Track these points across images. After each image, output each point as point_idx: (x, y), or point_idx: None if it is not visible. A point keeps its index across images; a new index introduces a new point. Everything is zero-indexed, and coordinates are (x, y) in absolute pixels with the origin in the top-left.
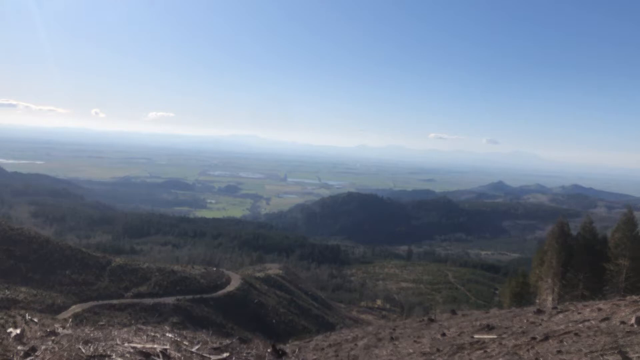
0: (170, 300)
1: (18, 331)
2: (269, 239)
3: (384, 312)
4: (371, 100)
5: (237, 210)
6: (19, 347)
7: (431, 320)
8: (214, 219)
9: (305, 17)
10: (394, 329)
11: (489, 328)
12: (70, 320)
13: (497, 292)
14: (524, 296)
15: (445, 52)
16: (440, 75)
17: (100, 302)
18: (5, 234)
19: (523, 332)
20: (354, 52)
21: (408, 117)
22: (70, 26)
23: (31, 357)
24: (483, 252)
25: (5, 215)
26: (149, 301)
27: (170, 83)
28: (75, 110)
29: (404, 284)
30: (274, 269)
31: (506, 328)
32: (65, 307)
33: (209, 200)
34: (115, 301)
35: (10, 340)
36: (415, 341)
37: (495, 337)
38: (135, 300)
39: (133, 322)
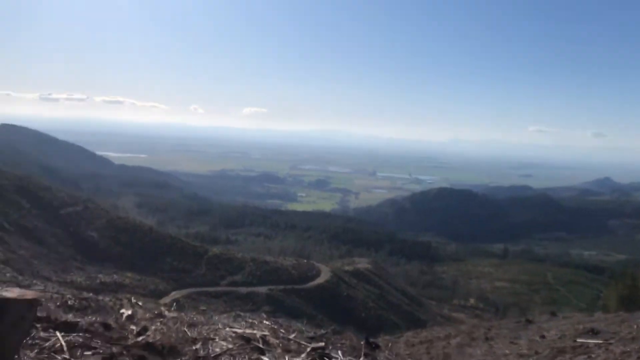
0: (263, 289)
1: (130, 312)
2: (357, 233)
3: (477, 312)
4: (465, 92)
5: (326, 204)
6: (132, 327)
7: (529, 322)
8: (304, 212)
9: (395, 9)
10: (489, 329)
11: (594, 332)
12: (175, 304)
13: (601, 295)
14: (633, 300)
15: (545, 37)
16: (541, 63)
17: (198, 289)
18: (114, 223)
19: (633, 339)
20: (446, 44)
21: (505, 109)
22: (171, 28)
23: (143, 336)
24: (586, 252)
25: (114, 205)
26: (243, 290)
27: (264, 80)
28: (176, 107)
29: (498, 284)
30: (362, 263)
31: (613, 333)
32: (166, 293)
33: (299, 194)
34: (211, 289)
35: (123, 319)
36: (511, 342)
37: (600, 342)
38: (230, 289)
39: (228, 309)
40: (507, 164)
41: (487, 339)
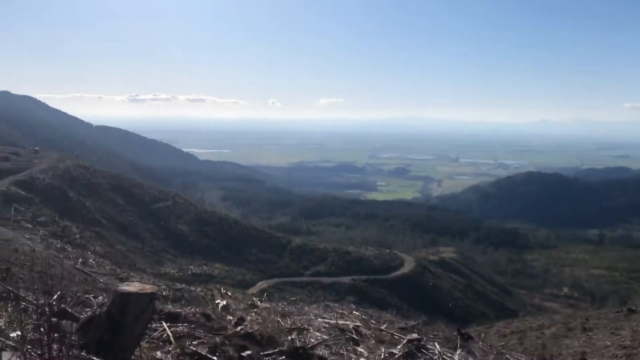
0: (346, 279)
1: (224, 302)
2: (441, 221)
3: (571, 301)
4: (554, 70)
5: (407, 193)
6: (229, 317)
7: (631, 311)
8: (385, 202)
9: None
10: (586, 319)
11: None
12: (265, 295)
13: None
14: None
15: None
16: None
17: (283, 280)
18: (201, 216)
19: None
20: (532, 20)
21: (597, 86)
22: (247, 26)
23: (241, 326)
24: None
25: (200, 199)
26: (326, 280)
27: (339, 70)
28: (254, 102)
29: (594, 271)
30: (447, 252)
31: None
32: (252, 283)
33: (379, 183)
34: (296, 279)
35: (220, 310)
36: (612, 333)
37: None
38: (314, 279)
39: (313, 299)
40: (599, 145)
41: (585, 329)
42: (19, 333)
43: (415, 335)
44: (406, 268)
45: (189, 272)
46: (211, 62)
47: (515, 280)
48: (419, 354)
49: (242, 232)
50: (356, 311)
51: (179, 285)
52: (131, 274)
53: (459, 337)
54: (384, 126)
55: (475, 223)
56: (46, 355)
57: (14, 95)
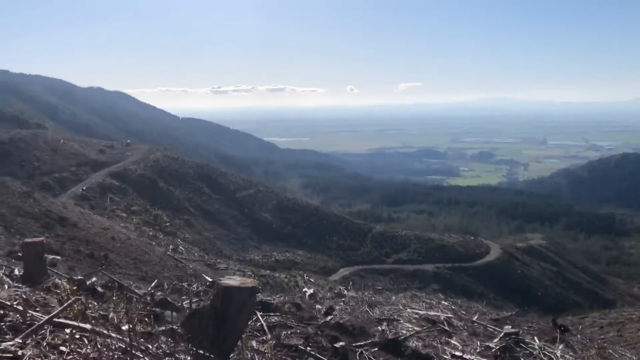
0: (429, 267)
1: (312, 291)
2: (528, 207)
3: None
4: None
5: (492, 178)
6: (318, 306)
7: None
8: (468, 187)
9: None
10: None
11: None
12: (351, 283)
13: None
14: None
15: None
16: None
17: (365, 267)
18: (283, 204)
19: None
20: None
21: None
22: (324, 14)
23: (331, 316)
24: None
25: (281, 187)
26: (408, 267)
27: (418, 54)
28: (333, 89)
29: None
30: (536, 239)
31: None
32: (334, 270)
33: (461, 168)
34: (377, 266)
35: (306, 298)
36: None
37: None
38: (396, 266)
39: (396, 286)
40: None
41: None
42: (129, 325)
43: (511, 328)
44: (492, 255)
45: (273, 259)
46: (290, 52)
47: (610, 269)
48: (518, 349)
49: (323, 219)
50: (445, 301)
51: (263, 272)
52: (218, 260)
53: (557, 330)
54: (466, 109)
55: (566, 208)
56: (155, 349)
57: (106, 91)
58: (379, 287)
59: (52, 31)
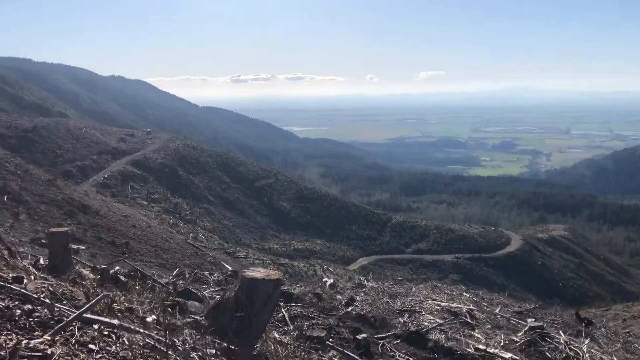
0: (449, 257)
1: (332, 281)
2: (550, 197)
3: None
4: None
5: (513, 168)
6: (339, 297)
7: None
8: (489, 177)
9: None
10: None
11: None
12: (371, 273)
13: None
14: None
15: None
16: None
17: (384, 257)
18: (302, 193)
19: None
20: None
21: None
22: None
23: (352, 307)
24: None
25: (300, 176)
26: (428, 257)
27: (439, 42)
28: (353, 78)
29: None
30: (558, 230)
31: None
32: (353, 259)
33: (482, 158)
34: (396, 256)
35: (326, 288)
36: None
37: None
38: (415, 256)
39: (415, 276)
40: None
41: None
42: (154, 317)
43: (534, 321)
44: (513, 246)
45: (292, 248)
46: (308, 40)
47: (634, 261)
48: (543, 343)
49: (342, 209)
50: (466, 292)
51: (282, 261)
52: (237, 248)
53: (582, 323)
54: (489, 99)
55: (589, 199)
56: (182, 344)
57: (127, 79)
58: (399, 278)
59: (74, 20)
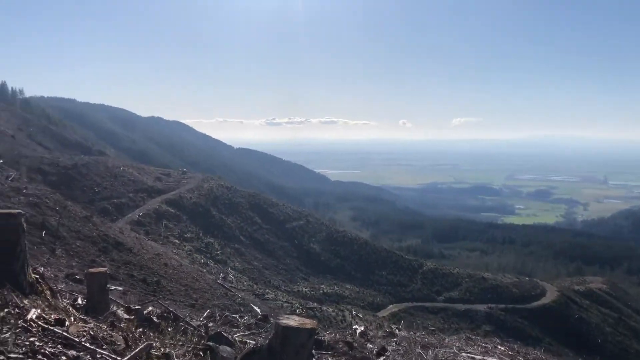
0: (481, 307)
1: (362, 328)
2: (588, 248)
3: None
4: None
5: (549, 217)
6: (369, 346)
7: None
8: (524, 226)
9: None
10: None
11: None
12: (402, 322)
13: None
14: None
15: None
16: None
17: (414, 304)
18: (332, 236)
19: None
20: None
21: None
22: (378, 48)
23: (383, 357)
24: None
25: (331, 219)
26: (460, 307)
27: (474, 88)
28: (385, 123)
29: None
30: (595, 282)
31: None
32: (383, 306)
33: (517, 206)
34: (428, 304)
35: (357, 336)
36: None
37: None
38: (447, 305)
39: (446, 326)
40: None
41: None
42: None
43: None
44: (548, 298)
45: (321, 291)
46: (342, 85)
47: None
48: None
49: (373, 253)
50: (501, 345)
51: (311, 304)
52: (267, 290)
53: None
54: (523, 146)
55: (628, 251)
56: None
57: (165, 120)
58: (432, 328)
59: (118, 64)
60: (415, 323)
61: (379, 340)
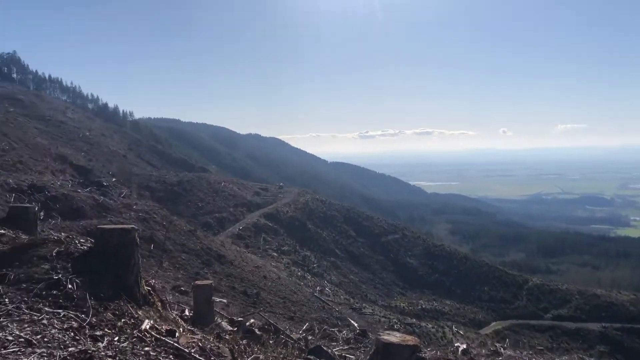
0: (594, 326)
1: (464, 346)
2: None
3: None
4: None
5: None
6: None
7: None
8: None
9: None
10: None
11: None
12: (507, 341)
13: None
14: None
15: None
16: None
17: (519, 322)
18: (430, 250)
19: None
20: None
21: None
22: (475, 53)
23: None
24: None
25: (427, 233)
26: (570, 325)
27: (580, 92)
28: (484, 132)
29: None
30: None
31: None
32: (485, 323)
33: (632, 217)
34: (533, 321)
35: (459, 354)
36: None
37: None
38: (555, 323)
39: (555, 345)
40: None
41: None
42: None
43: None
44: None
45: (419, 307)
46: (438, 94)
47: None
48: None
49: (473, 268)
50: None
51: (409, 320)
52: (363, 304)
53: None
54: (636, 152)
55: None
56: None
57: (263, 137)
58: (540, 347)
59: (218, 83)
60: (521, 342)
61: (482, 358)
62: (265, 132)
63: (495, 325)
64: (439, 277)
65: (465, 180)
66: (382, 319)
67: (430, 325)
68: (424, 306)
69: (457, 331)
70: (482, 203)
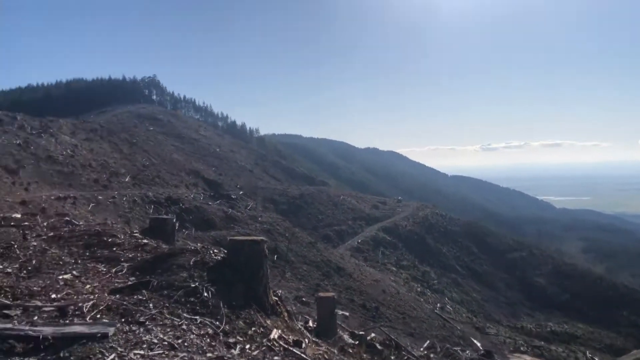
0: None
1: None
2: None
3: None
4: None
5: None
6: None
7: None
8: None
9: None
10: None
11: None
12: None
13: None
14: None
15: None
16: None
17: None
18: (560, 269)
19: None
20: None
21: None
22: (607, 55)
23: None
24: None
25: (557, 250)
26: None
27: None
28: (620, 143)
29: None
30: None
31: None
32: (625, 350)
33: None
34: None
35: None
36: None
37: None
38: None
39: None
40: None
41: None
42: None
43: None
44: None
45: (548, 329)
46: (567, 103)
47: None
48: None
49: (609, 290)
50: None
51: (537, 343)
52: (487, 324)
53: None
54: None
55: None
56: None
57: (380, 151)
58: None
59: (337, 100)
60: None
61: None
62: (382, 146)
63: (636, 354)
64: (570, 299)
65: (598, 194)
66: (508, 340)
67: (560, 349)
68: (553, 328)
69: (592, 357)
70: (619, 219)
